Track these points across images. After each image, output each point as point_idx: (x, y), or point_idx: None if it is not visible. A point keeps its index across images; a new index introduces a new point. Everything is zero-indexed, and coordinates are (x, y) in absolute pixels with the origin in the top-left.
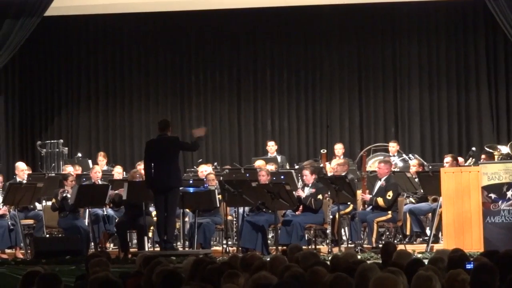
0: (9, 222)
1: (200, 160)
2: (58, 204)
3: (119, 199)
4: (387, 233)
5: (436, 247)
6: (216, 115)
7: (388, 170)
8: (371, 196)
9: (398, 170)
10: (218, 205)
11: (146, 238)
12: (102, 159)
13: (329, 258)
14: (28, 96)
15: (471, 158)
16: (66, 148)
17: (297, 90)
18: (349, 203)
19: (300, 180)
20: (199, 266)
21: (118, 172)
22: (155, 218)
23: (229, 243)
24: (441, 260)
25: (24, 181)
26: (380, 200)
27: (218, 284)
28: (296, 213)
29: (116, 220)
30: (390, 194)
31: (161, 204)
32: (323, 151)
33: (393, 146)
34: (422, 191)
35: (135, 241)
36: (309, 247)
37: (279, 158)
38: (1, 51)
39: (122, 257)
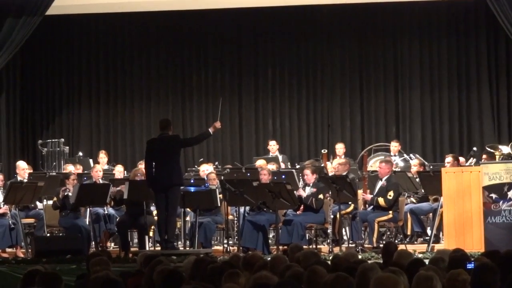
0: (10, 221)
1: (201, 159)
2: (59, 202)
3: (120, 197)
4: (388, 233)
5: (437, 247)
6: (217, 114)
7: (389, 170)
8: (372, 196)
9: (399, 170)
10: (219, 205)
11: (147, 237)
12: (103, 156)
13: (330, 257)
14: (29, 95)
15: (472, 158)
16: (67, 147)
17: (298, 90)
18: (350, 202)
19: (301, 179)
20: (199, 265)
21: (119, 171)
22: (156, 217)
23: (230, 242)
24: (442, 260)
25: (25, 180)
26: (381, 200)
27: (218, 283)
28: (297, 212)
29: (117, 219)
30: (391, 194)
31: (162, 203)
32: (324, 151)
33: (394, 146)
34: (423, 191)
35: (136, 240)
36: (310, 246)
37: (280, 157)
38: (2, 50)
39: (123, 256)
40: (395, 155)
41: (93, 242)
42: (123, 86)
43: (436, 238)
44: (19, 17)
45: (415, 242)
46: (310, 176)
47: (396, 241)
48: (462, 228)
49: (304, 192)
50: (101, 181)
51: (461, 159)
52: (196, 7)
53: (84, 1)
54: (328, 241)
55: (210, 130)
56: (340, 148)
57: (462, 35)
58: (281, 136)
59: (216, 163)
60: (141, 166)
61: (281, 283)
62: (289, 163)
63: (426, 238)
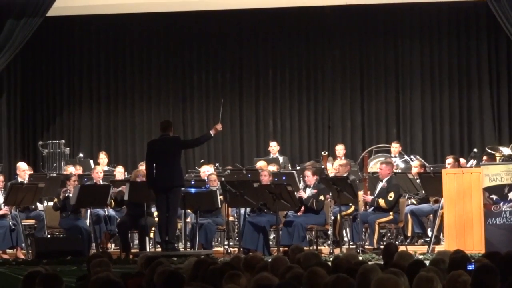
0: (11, 222)
1: (202, 160)
2: (60, 203)
3: (121, 198)
4: (389, 234)
5: (438, 248)
6: (218, 115)
7: (390, 171)
8: (372, 197)
9: (399, 171)
10: (219, 206)
11: (147, 238)
12: (103, 157)
13: (331, 259)
14: (30, 96)
15: (472, 160)
16: (68, 148)
17: (299, 91)
18: (350, 204)
19: (302, 181)
20: (200, 266)
21: (119, 172)
22: (156, 219)
23: (231, 243)
24: (442, 261)
25: (26, 181)
26: (381, 201)
27: (219, 284)
28: (298, 214)
29: (118, 221)
30: (391, 195)
31: (163, 204)
32: (324, 153)
33: (395, 147)
34: (423, 192)
35: (136, 241)
36: (311, 248)
37: (281, 158)
38: (3, 51)
39: (123, 258)
40: (395, 157)
41: (94, 244)
42: (123, 87)
43: (436, 239)
44: (20, 18)
45: (416, 243)
46: (310, 178)
47: (397, 242)
48: (462, 229)
49: (305, 194)
50: (101, 182)
51: (462, 160)
52: (196, 8)
53: (84, 2)
54: (329, 242)
55: (211, 132)
56: (340, 149)
57: (463, 36)
58: (281, 137)
59: (217, 164)
60: (142, 167)
61: (282, 284)
62: (289, 165)
63: (427, 239)
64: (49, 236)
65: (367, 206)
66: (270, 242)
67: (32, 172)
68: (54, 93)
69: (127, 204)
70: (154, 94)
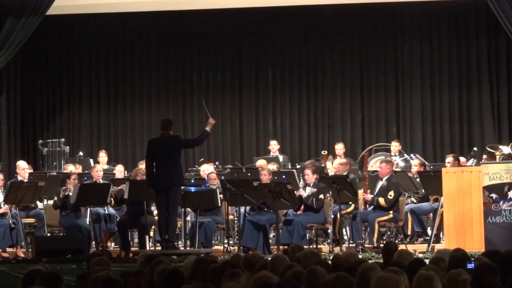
0: (10, 221)
1: (202, 159)
2: (60, 202)
3: (121, 196)
4: (388, 233)
5: (437, 247)
6: (218, 114)
7: (390, 170)
8: (372, 195)
9: (399, 170)
10: (219, 205)
11: (147, 237)
12: (103, 155)
13: (330, 257)
14: (29, 95)
15: (472, 158)
16: (68, 147)
17: (299, 90)
18: (350, 202)
19: (301, 179)
20: (200, 265)
21: (119, 171)
22: (156, 217)
23: (231, 242)
24: (442, 260)
25: (26, 180)
26: (381, 200)
27: (219, 283)
28: (298, 212)
29: (118, 219)
30: (391, 194)
31: (163, 203)
32: (324, 152)
33: (395, 146)
34: (423, 191)
35: (136, 240)
36: (311, 246)
37: (281, 157)
38: (3, 50)
39: (123, 256)
40: (395, 155)
41: (94, 242)
42: (123, 86)
43: (436, 238)
44: (20, 17)
45: (416, 242)
46: (310, 176)
47: (397, 241)
48: (462, 228)
49: (305, 192)
50: (101, 181)
51: (462, 159)
52: (196, 7)
53: (84, 1)
54: (329, 241)
55: (207, 128)
56: (339, 148)
57: (463, 35)
58: (281, 136)
59: (217, 163)
60: (142, 165)
61: (281, 283)
62: (289, 163)
63: (427, 238)
64: (49, 234)
65: (367, 205)
66: (270, 241)
67: (32, 170)
68: (54, 91)
69: (127, 203)
70: (154, 93)
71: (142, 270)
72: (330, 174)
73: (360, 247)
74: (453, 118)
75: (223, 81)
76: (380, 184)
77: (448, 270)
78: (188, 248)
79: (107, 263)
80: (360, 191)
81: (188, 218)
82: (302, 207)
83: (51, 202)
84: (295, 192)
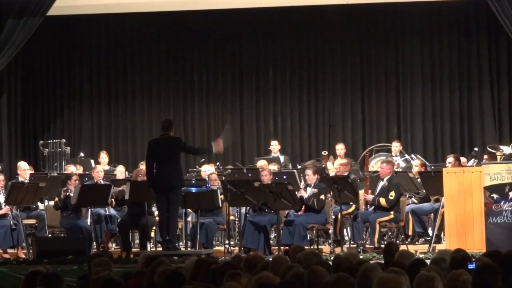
0: (11, 222)
1: (203, 159)
2: (61, 203)
3: (122, 197)
4: (389, 233)
5: (438, 247)
6: (219, 114)
7: (391, 170)
8: (373, 196)
9: (400, 170)
10: (220, 205)
11: (148, 238)
12: (104, 156)
13: (331, 258)
14: (30, 96)
15: (473, 159)
16: (69, 148)
17: (299, 90)
18: (351, 203)
19: (302, 180)
20: (201, 266)
21: (120, 171)
22: (157, 218)
23: (231, 243)
24: (443, 260)
25: (26, 181)
26: (382, 200)
27: (220, 284)
28: (299, 213)
29: (119, 220)
30: (392, 194)
31: (163, 204)
32: (325, 153)
33: (396, 146)
34: (424, 191)
35: (137, 241)
36: (311, 247)
37: (281, 158)
38: (3, 51)
39: (124, 257)
40: (396, 156)
41: (95, 243)
42: (124, 86)
43: (437, 239)
44: (20, 18)
45: (417, 243)
46: (311, 177)
47: (398, 241)
48: (463, 229)
49: (306, 193)
50: (102, 182)
51: (463, 159)
52: (197, 7)
53: (85, 2)
54: (330, 241)
55: (213, 148)
56: (340, 148)
57: (463, 35)
58: (282, 137)
59: (218, 163)
60: (143, 166)
61: (282, 283)
62: (290, 164)
63: (428, 238)
64: (50, 235)
65: (368, 206)
66: (271, 242)
67: (32, 171)
68: (55, 92)
69: (128, 204)
70: (154, 93)
71: (143, 271)
72: (331, 175)
73: (361, 248)
74: (454, 118)
75: (224, 82)
76: (381, 184)
77: (449, 271)
78: (189, 249)
79: (108, 264)
80: (361, 192)
81: (189, 219)
82: (303, 208)
83: (52, 203)
84: (296, 192)
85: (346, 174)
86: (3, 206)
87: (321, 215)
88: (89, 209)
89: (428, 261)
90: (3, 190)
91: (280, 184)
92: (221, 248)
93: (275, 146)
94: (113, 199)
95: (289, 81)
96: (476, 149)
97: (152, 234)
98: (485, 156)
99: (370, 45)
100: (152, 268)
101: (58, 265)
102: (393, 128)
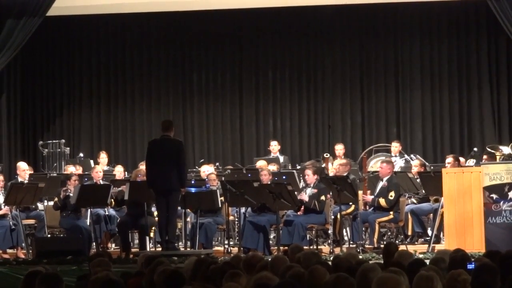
0: (11, 222)
1: (202, 160)
2: (60, 203)
3: (121, 197)
4: (389, 233)
5: (438, 247)
6: (218, 115)
7: (390, 171)
8: (372, 197)
9: (399, 170)
10: (220, 206)
11: (147, 238)
12: (103, 156)
13: (331, 258)
14: (30, 96)
15: (471, 159)
16: (68, 148)
17: (299, 90)
18: (350, 203)
19: (302, 180)
20: (200, 266)
21: (119, 171)
22: (156, 218)
23: (231, 243)
24: (442, 260)
25: (26, 181)
26: (382, 201)
27: (219, 284)
28: (298, 213)
29: (118, 220)
30: (392, 194)
31: (163, 204)
32: (326, 155)
33: (395, 146)
34: (423, 191)
35: (136, 241)
36: (311, 247)
37: (281, 158)
38: (3, 51)
39: (123, 257)
40: (395, 156)
41: (94, 243)
42: (123, 87)
43: (436, 239)
44: (20, 18)
45: (416, 243)
46: (311, 177)
47: (397, 241)
48: (462, 229)
49: (306, 195)
50: (101, 182)
51: (462, 159)
52: (196, 8)
53: (84, 2)
54: (329, 241)
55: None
56: (339, 149)
57: (463, 35)
58: (281, 137)
59: (217, 163)
60: (142, 166)
61: (281, 283)
62: (289, 164)
63: (427, 238)
64: (49, 235)
65: (367, 207)
66: (270, 242)
67: (32, 172)
68: (54, 93)
69: (128, 204)
70: (154, 93)
71: (143, 271)
72: (330, 175)
73: (360, 248)
74: (453, 118)
75: (223, 82)
76: (380, 184)
77: (449, 271)
78: (188, 249)
79: (108, 264)
80: (360, 192)
81: (188, 219)
82: (302, 208)
83: (51, 203)
84: (298, 196)
85: (345, 174)
86: (2, 207)
87: (321, 215)
88: (89, 210)
89: (427, 261)
90: (3, 191)
91: (280, 185)
92: (221, 248)
93: (274, 146)
94: (112, 200)
95: (288, 81)
96: (475, 149)
97: (152, 235)
98: (485, 156)
99: (370, 45)
100: (151, 268)
101: (57, 265)
102: (393, 128)
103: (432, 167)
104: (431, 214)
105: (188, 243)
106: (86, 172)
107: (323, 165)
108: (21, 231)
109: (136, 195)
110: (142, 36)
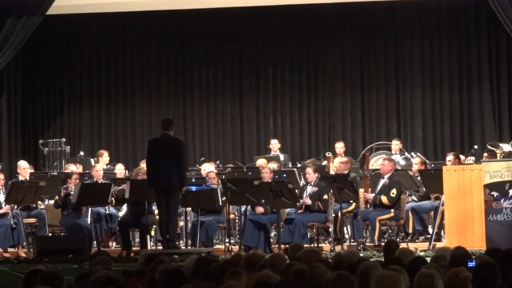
0: (12, 221)
1: (203, 158)
2: (61, 201)
3: (122, 196)
4: (389, 231)
5: (438, 245)
6: (219, 113)
7: (392, 168)
8: (374, 194)
9: (400, 168)
10: (220, 204)
11: (148, 236)
12: (106, 155)
13: (332, 256)
14: (30, 95)
15: (470, 157)
16: (69, 147)
17: (299, 88)
18: (351, 201)
19: (302, 178)
20: (201, 264)
21: (120, 169)
22: (157, 217)
23: (232, 241)
24: (443, 257)
25: (27, 179)
26: (384, 198)
27: (220, 282)
28: (298, 211)
29: (119, 219)
30: (394, 192)
31: (163, 203)
32: (328, 154)
33: (396, 144)
34: (424, 189)
35: (137, 239)
36: (312, 245)
37: (281, 156)
38: (3, 50)
39: (124, 256)
40: (396, 154)
41: (95, 242)
42: (124, 85)
43: (437, 237)
44: (20, 17)
45: (417, 241)
46: (312, 175)
47: (398, 239)
48: (463, 226)
49: (309, 200)
50: (102, 181)
51: (462, 157)
52: (197, 6)
53: (84, 1)
54: (330, 239)
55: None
56: (340, 147)
57: (463, 33)
58: (282, 135)
59: (218, 162)
60: (143, 165)
61: (282, 281)
62: (290, 162)
63: (428, 236)
64: (50, 234)
65: (368, 205)
66: (271, 240)
67: (32, 170)
68: (55, 91)
69: (128, 203)
70: (154, 92)
71: (143, 270)
72: (331, 173)
73: (361, 246)
74: (454, 116)
75: (224, 80)
76: (382, 182)
77: (449, 269)
78: (189, 247)
79: (108, 262)
80: (361, 190)
81: (188, 217)
82: (303, 207)
83: (52, 202)
84: (301, 200)
85: (346, 172)
86: (3, 205)
87: (321, 213)
88: (89, 208)
89: (428, 259)
90: (3, 189)
91: (280, 183)
92: (222, 247)
93: (275, 144)
94: (113, 198)
95: (289, 79)
96: (476, 147)
97: (153, 233)
98: (485, 154)
99: (370, 44)
100: (152, 267)
101: (58, 264)
102: (393, 126)
103: (432, 165)
104: (432, 212)
105: (189, 241)
106: (87, 171)
107: (324, 163)
108: (22, 230)
109: (137, 193)
110: (142, 34)
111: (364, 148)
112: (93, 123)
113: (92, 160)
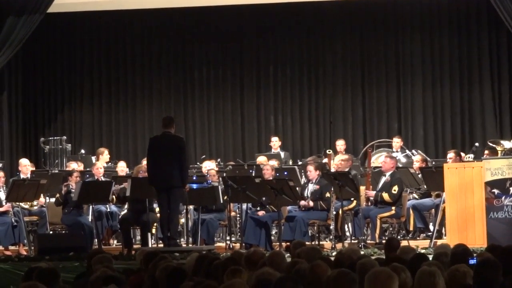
0: (13, 219)
1: (204, 156)
2: (62, 198)
3: (123, 195)
4: (391, 228)
5: (439, 242)
6: (219, 111)
7: (393, 165)
8: (375, 191)
9: (401, 166)
10: (221, 201)
11: (149, 234)
12: (106, 153)
13: (333, 254)
14: (31, 93)
15: (471, 153)
16: (69, 145)
17: (300, 86)
18: (352, 199)
19: (303, 176)
20: (202, 262)
21: (121, 166)
22: (158, 215)
23: (233, 239)
24: (444, 254)
25: (28, 177)
26: (385, 195)
27: (221, 280)
28: (301, 207)
29: (120, 217)
30: (395, 189)
31: (164, 201)
32: (329, 151)
33: (397, 142)
34: (425, 186)
35: (138, 237)
36: (313, 243)
37: (282, 154)
38: (4, 48)
39: (125, 254)
40: (397, 151)
41: (96, 240)
42: (124, 83)
43: (438, 234)
44: (21, 15)
45: (418, 238)
46: (313, 172)
47: (399, 237)
48: (464, 224)
49: (312, 202)
50: (102, 178)
51: (463, 154)
52: (197, 4)
53: None
54: (331, 237)
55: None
56: (340, 144)
57: (464, 30)
58: (283, 133)
59: (218, 159)
60: (144, 162)
61: (282, 278)
62: (290, 160)
63: (429, 234)
64: (51, 232)
65: (369, 203)
66: (272, 238)
67: (34, 168)
68: (55, 89)
69: (129, 200)
70: (155, 89)
71: (143, 267)
72: (331, 171)
73: (362, 243)
74: (455, 113)
75: (224, 78)
76: (383, 179)
77: (450, 266)
78: (190, 245)
79: (109, 260)
80: (362, 188)
81: (189, 215)
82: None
83: (53, 200)
84: (303, 203)
85: (347, 170)
86: (4, 203)
87: (323, 211)
88: (90, 206)
89: (429, 257)
90: (4, 187)
91: (281, 180)
92: (223, 244)
93: (275, 142)
94: (114, 196)
95: (289, 77)
96: (477, 144)
97: (154, 231)
98: (486, 151)
99: (371, 41)
100: (153, 264)
101: (59, 261)
102: (394, 124)
103: (433, 162)
104: (433, 210)
105: (190, 239)
106: (88, 169)
107: (325, 161)
108: (23, 227)
109: (138, 191)
110: (143, 32)
111: (365, 145)
112: (94, 121)
113: (93, 158)
